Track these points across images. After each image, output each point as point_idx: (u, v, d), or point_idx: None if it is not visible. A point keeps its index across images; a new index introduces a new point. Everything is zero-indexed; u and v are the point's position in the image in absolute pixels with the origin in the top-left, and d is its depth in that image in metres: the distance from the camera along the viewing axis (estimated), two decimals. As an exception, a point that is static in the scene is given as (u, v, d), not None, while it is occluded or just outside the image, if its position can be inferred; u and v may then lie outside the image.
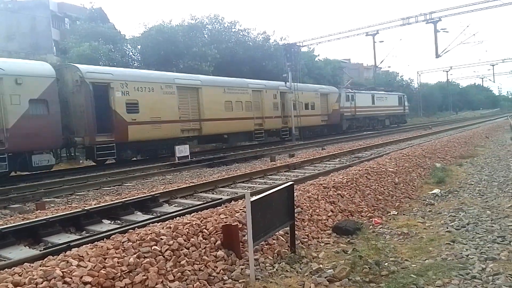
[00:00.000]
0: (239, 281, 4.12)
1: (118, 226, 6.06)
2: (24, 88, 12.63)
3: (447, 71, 64.94)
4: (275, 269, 4.51)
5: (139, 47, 32.61)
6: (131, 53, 33.37)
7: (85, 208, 6.63)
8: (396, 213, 7.27)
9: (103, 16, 36.84)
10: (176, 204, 7.76)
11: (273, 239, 5.13)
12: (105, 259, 3.78)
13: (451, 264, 4.35)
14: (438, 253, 4.78)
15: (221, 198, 7.69)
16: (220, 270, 4.24)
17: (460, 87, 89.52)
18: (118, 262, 3.73)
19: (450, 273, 4.12)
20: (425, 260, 4.63)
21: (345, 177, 8.32)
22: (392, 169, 9.95)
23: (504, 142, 18.81)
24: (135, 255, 3.89)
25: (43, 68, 13.80)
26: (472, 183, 9.32)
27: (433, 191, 8.72)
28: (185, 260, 4.13)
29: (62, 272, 3.44)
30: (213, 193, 8.87)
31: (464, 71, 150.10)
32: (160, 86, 17.48)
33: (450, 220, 6.24)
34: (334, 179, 8.10)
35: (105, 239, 4.50)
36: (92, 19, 33.90)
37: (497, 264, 4.29)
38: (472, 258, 4.53)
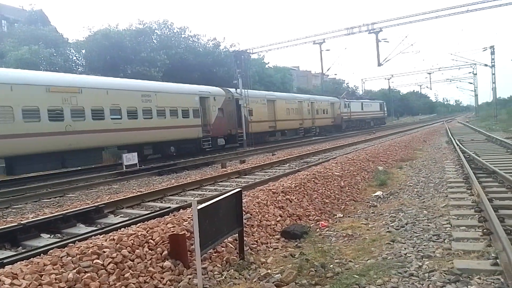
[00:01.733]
0: (187, 291, 4.06)
1: (58, 240, 5.75)
2: (216, 102, 24.22)
3: (388, 79, 68.72)
4: (223, 277, 4.49)
5: (83, 51, 31.31)
6: (74, 58, 31.95)
7: (22, 222, 6.22)
8: (341, 215, 7.53)
9: (44, 19, 35.01)
10: (122, 215, 7.50)
11: (222, 247, 5.12)
12: (41, 276, 3.57)
13: (391, 263, 4.58)
14: (379, 253, 5.01)
15: (170, 207, 7.54)
16: (166, 281, 4.15)
17: (401, 94, 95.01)
18: (55, 279, 3.54)
19: (390, 271, 4.33)
20: (367, 260, 4.83)
21: (294, 182, 8.50)
22: (338, 173, 10.31)
23: (440, 146, 20.16)
24: (75, 270, 3.71)
25: (221, 90, 25.40)
26: (411, 184, 9.89)
27: (376, 193, 9.14)
28: (129, 273, 4.01)
29: (-7, 292, 3.20)
30: (161, 202, 8.67)
31: (404, 79, 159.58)
32: (260, 100, 29.30)
33: (390, 221, 6.57)
34: (283, 184, 8.24)
35: (42, 254, 4.25)
36: (32, 21, 32.12)
37: (432, 261, 4.57)
38: (410, 256, 4.79)
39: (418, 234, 5.65)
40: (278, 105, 31.38)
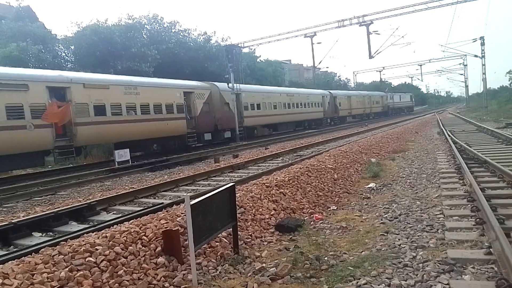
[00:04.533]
0: (181, 287, 4.03)
1: (50, 238, 5.68)
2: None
3: (380, 71, 68.85)
4: (218, 272, 4.47)
5: (72, 47, 30.91)
6: (63, 54, 31.52)
7: (13, 221, 6.14)
8: (335, 208, 7.54)
9: (32, 15, 34.37)
10: (114, 212, 7.44)
11: (216, 241, 5.08)
12: (33, 275, 3.51)
13: (385, 254, 4.59)
14: (373, 245, 5.02)
15: (163, 203, 7.50)
16: (161, 278, 4.11)
17: (392, 86, 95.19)
18: (47, 278, 3.48)
19: (384, 262, 4.34)
20: (362, 252, 4.84)
21: (287, 176, 8.48)
22: (331, 166, 10.32)
23: (431, 137, 20.30)
24: (67, 269, 3.65)
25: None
26: (404, 176, 9.94)
27: (369, 185, 9.17)
28: (122, 270, 3.96)
29: (-17, 293, 3.14)
30: (154, 198, 8.62)
31: (395, 71, 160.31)
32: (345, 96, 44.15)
33: (384, 212, 6.59)
34: (277, 178, 8.23)
35: (33, 253, 4.19)
36: (20, 18, 31.51)
37: (426, 251, 4.58)
38: (404, 247, 4.80)
39: (411, 225, 5.67)
40: (354, 100, 48.56)
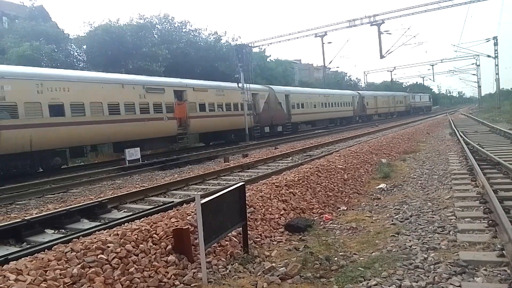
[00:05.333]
0: (191, 285, 4.06)
1: (62, 235, 5.75)
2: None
3: (391, 71, 68.33)
4: (228, 271, 4.48)
5: (84, 47, 31.20)
6: (76, 53, 31.89)
7: (26, 218, 6.23)
8: (345, 208, 7.51)
9: (45, 14, 34.85)
10: (125, 210, 7.51)
11: (226, 240, 5.10)
12: (46, 271, 3.57)
13: (396, 256, 4.56)
14: (384, 246, 4.99)
15: (173, 202, 7.53)
16: (171, 276, 4.15)
17: (404, 86, 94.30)
18: (60, 274, 3.54)
19: (395, 264, 4.31)
20: (372, 253, 4.81)
21: (297, 175, 8.47)
22: (341, 166, 10.27)
23: (443, 137, 20.07)
24: (79, 266, 3.70)
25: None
26: (415, 177, 9.84)
27: (380, 186, 9.10)
28: (134, 268, 4.00)
29: (-2, 288, 3.20)
30: (165, 197, 8.67)
31: (406, 71, 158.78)
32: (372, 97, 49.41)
33: (395, 213, 6.54)
34: (286, 178, 8.22)
35: (46, 250, 4.25)
36: (33, 17, 31.95)
37: (437, 253, 4.54)
38: (415, 248, 4.76)
39: (423, 226, 5.62)
40: (379, 100, 53.45)
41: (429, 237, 5.12)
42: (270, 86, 31.50)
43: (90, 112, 15.90)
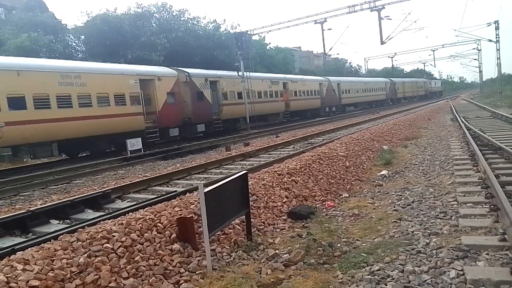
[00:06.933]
0: (196, 272, 4.11)
1: (67, 225, 5.81)
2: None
3: (392, 57, 67.67)
4: (232, 258, 4.53)
5: (82, 37, 31.06)
6: (74, 44, 31.72)
7: (30, 209, 6.28)
8: (347, 195, 7.55)
9: (42, 5, 34.56)
10: (129, 200, 7.56)
11: (229, 228, 5.15)
12: (53, 261, 3.61)
13: (398, 241, 4.60)
14: (386, 231, 5.02)
15: (176, 191, 7.58)
16: (176, 263, 4.20)
17: (405, 72, 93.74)
18: (67, 263, 3.58)
19: (397, 249, 4.35)
20: (375, 238, 4.85)
21: (299, 163, 8.49)
22: (343, 153, 10.29)
23: (444, 123, 20.04)
24: (86, 255, 3.74)
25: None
26: (416, 163, 9.87)
27: (381, 173, 9.13)
28: (139, 256, 4.05)
29: (7, 277, 3.24)
30: (167, 186, 8.72)
31: (407, 57, 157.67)
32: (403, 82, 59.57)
33: (397, 199, 6.57)
34: (288, 166, 8.24)
35: (52, 240, 4.29)
36: (30, 8, 31.70)
37: (439, 238, 4.57)
38: (417, 234, 4.80)
39: (424, 212, 5.65)
40: (407, 85, 63.47)
41: (431, 223, 5.15)
42: (327, 77, 40.86)
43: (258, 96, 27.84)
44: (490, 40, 47.58)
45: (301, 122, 30.50)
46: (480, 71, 67.61)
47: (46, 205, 6.62)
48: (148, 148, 16.83)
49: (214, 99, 23.15)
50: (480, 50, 59.52)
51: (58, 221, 6.27)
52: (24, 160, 16.70)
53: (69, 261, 3.62)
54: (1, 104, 12.87)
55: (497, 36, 45.41)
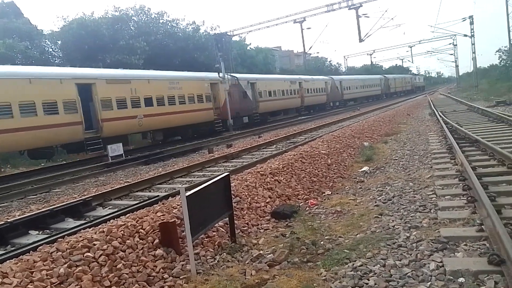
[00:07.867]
0: (180, 277, 4.08)
1: (47, 236, 5.68)
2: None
3: (370, 54, 69.06)
4: (216, 261, 4.53)
5: (59, 42, 30.45)
6: (50, 49, 31.08)
7: (9, 220, 6.13)
8: (330, 193, 7.62)
9: (16, 11, 33.68)
10: (110, 207, 7.45)
11: (213, 231, 5.14)
12: (32, 273, 3.54)
13: (380, 236, 4.67)
14: (368, 227, 5.10)
15: (158, 196, 7.50)
16: (159, 269, 4.16)
17: (383, 68, 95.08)
18: (47, 275, 3.52)
19: (379, 244, 4.42)
20: (357, 235, 4.92)
21: (281, 163, 8.53)
22: (325, 151, 10.38)
23: (423, 118, 20.43)
24: (66, 265, 3.68)
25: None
26: (397, 158, 10.04)
27: (363, 169, 9.26)
28: (121, 264, 4.00)
29: (-17, 292, 3.17)
30: (150, 191, 8.64)
31: (386, 54, 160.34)
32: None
33: (378, 195, 6.68)
34: (271, 166, 8.27)
35: (31, 251, 4.20)
36: (4, 14, 30.89)
37: (419, 231, 4.66)
38: (398, 228, 4.89)
39: (405, 206, 5.76)
40: (397, 81, 69.29)
41: (411, 216, 5.25)
42: (331, 76, 46.43)
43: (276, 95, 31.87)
44: (465, 35, 48.79)
45: (283, 121, 30.59)
46: (457, 66, 69.31)
47: (24, 215, 6.47)
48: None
49: (253, 97, 28.80)
50: (456, 45, 61.11)
51: (37, 232, 6.13)
52: (1, 170, 16.27)
53: (49, 272, 3.56)
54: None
55: (472, 31, 46.60)
